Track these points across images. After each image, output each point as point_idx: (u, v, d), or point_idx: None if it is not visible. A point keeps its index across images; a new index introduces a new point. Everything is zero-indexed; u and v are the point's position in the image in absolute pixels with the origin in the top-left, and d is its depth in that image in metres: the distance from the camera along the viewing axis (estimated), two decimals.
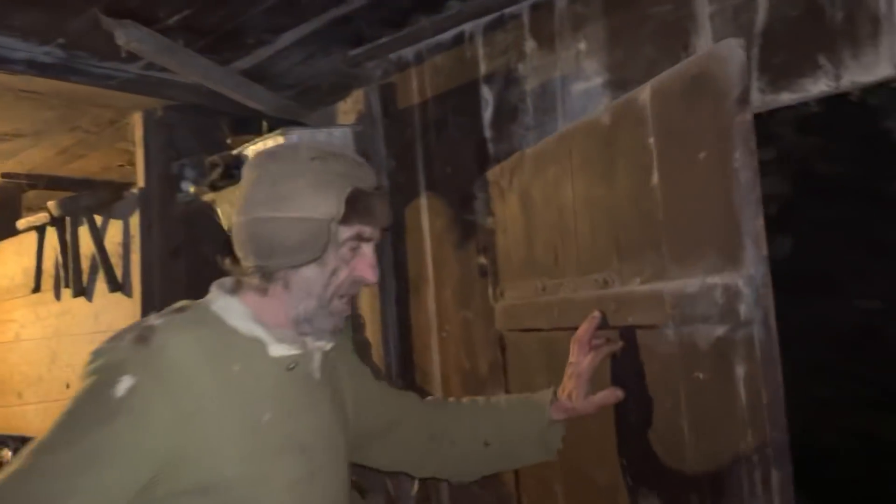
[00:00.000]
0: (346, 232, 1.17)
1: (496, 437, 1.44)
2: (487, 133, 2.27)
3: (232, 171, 2.50)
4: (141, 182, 2.86)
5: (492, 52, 2.26)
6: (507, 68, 2.22)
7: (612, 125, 1.56)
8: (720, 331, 1.27)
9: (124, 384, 1.03)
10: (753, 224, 1.22)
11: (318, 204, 1.13)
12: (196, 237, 2.93)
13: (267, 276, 1.17)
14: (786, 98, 1.67)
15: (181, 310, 1.17)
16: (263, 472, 1.09)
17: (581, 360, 1.43)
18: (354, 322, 2.60)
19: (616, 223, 1.55)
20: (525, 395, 1.53)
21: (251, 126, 2.62)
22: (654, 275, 1.42)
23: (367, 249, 1.20)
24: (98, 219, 2.95)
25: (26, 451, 1.03)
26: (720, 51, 1.30)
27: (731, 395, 1.24)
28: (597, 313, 1.49)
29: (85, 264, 3.02)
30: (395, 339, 2.57)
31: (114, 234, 2.92)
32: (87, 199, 2.96)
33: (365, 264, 1.19)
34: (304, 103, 2.78)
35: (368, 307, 2.61)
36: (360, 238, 1.19)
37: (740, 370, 1.23)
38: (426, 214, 2.47)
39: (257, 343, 1.16)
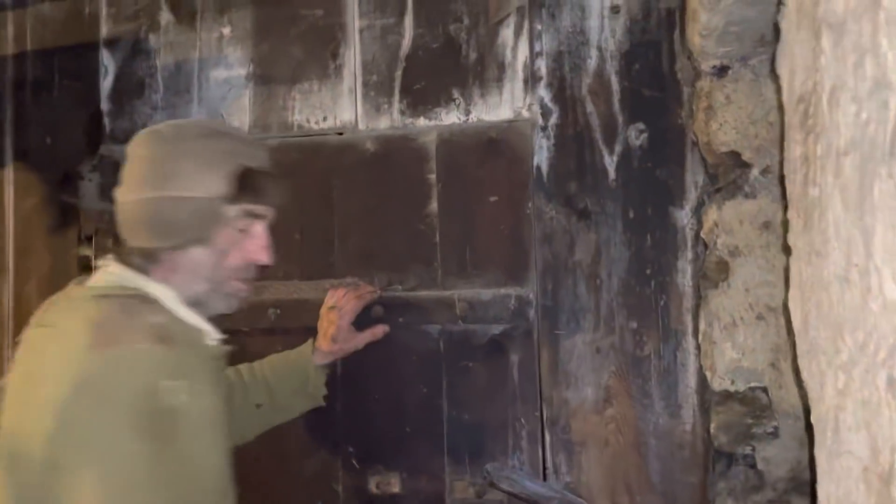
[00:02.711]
0: (234, 211, 1.14)
1: (266, 397, 1.49)
2: (104, 105, 1.96)
3: None
4: None
5: (118, 14, 1.97)
6: (136, 37, 1.96)
7: (382, 154, 1.78)
8: (501, 328, 1.65)
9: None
10: (538, 254, 1.66)
11: (204, 182, 1.10)
12: None
13: (150, 257, 1.12)
14: (422, 123, 1.79)
15: (131, 297, 1.08)
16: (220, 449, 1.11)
17: (345, 304, 1.55)
18: None
19: (375, 238, 1.74)
20: (287, 351, 1.58)
21: None
22: (420, 285, 1.71)
23: (259, 230, 1.18)
24: None
25: None
26: (520, 126, 1.69)
27: (504, 377, 1.64)
28: (375, 290, 1.66)
29: None
30: None
31: None
32: None
33: (257, 245, 1.17)
34: None
35: None
36: (250, 217, 1.16)
37: (515, 358, 1.64)
38: (10, 189, 2.04)
39: (198, 331, 1.14)
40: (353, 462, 1.68)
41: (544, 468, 1.63)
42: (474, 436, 1.63)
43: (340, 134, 1.83)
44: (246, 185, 1.13)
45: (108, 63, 1.97)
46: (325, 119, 1.85)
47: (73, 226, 1.98)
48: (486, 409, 1.63)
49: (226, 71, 1.92)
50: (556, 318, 1.67)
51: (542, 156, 1.71)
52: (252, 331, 1.74)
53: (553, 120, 1.72)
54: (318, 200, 1.80)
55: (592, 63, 1.70)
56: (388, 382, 1.69)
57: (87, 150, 1.96)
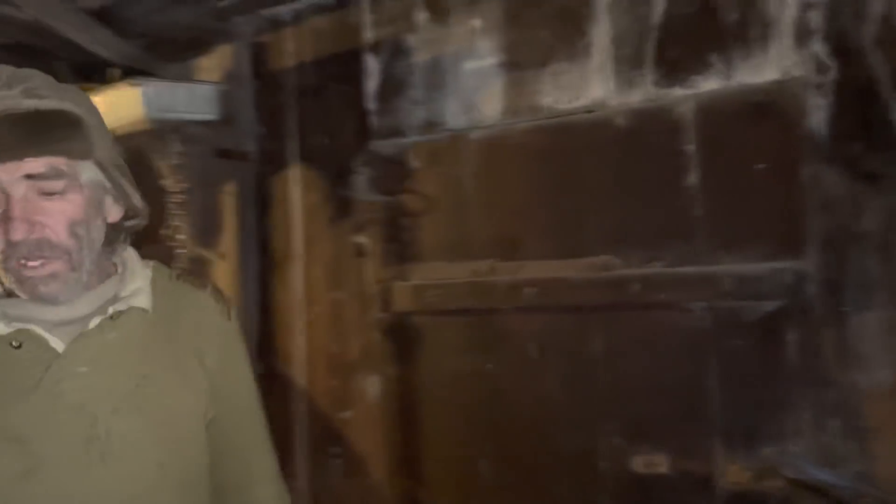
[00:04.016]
0: None
1: None
2: (371, 105, 2.14)
3: None
4: None
5: (379, 19, 2.14)
6: (396, 38, 2.11)
7: (634, 128, 1.74)
8: (774, 305, 1.55)
9: None
10: (816, 223, 1.53)
11: None
12: None
13: None
14: (678, 93, 1.71)
15: None
16: None
17: None
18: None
19: (629, 214, 1.72)
20: None
21: (95, 74, 2.30)
22: (680, 260, 1.64)
23: (7, 201, 0.92)
24: None
25: None
26: (791, 86, 1.57)
27: (780, 357, 1.54)
28: None
29: None
30: (255, 319, 2.39)
31: None
32: None
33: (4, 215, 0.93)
34: (156, 55, 2.49)
35: (228, 284, 2.40)
36: None
37: (792, 336, 1.53)
38: (298, 187, 2.31)
39: None
40: (617, 440, 1.67)
41: (831, 456, 1.49)
42: (749, 419, 1.54)
43: (590, 112, 1.82)
44: None
45: (372, 66, 2.15)
46: (575, 98, 1.85)
47: (349, 216, 2.19)
48: (760, 391, 1.53)
49: (478, 62, 2.00)
50: (841, 293, 1.51)
51: (817, 116, 1.56)
52: (510, 310, 1.80)
53: (831, 76, 1.55)
54: (570, 179, 1.81)
55: (878, 8, 1.51)
56: (650, 360, 1.66)
57: (358, 147, 2.16)
